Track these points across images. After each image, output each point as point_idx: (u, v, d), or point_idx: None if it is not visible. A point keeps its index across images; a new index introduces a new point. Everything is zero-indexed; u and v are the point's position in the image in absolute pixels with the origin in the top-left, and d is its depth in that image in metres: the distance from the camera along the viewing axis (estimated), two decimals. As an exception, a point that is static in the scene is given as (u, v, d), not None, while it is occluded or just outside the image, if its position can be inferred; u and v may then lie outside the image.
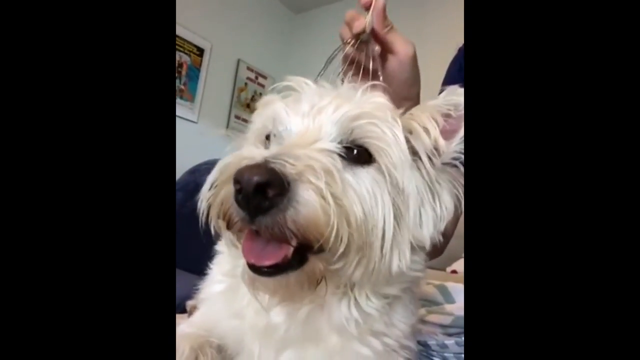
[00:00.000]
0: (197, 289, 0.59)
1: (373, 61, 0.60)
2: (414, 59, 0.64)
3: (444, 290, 0.90)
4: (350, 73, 0.54)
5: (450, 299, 0.88)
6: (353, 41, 0.61)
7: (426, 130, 0.45)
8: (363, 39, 0.61)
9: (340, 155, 0.41)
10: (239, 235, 0.42)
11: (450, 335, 0.73)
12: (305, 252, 0.38)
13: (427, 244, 0.45)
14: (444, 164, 0.47)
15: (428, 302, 0.94)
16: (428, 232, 0.44)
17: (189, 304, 0.92)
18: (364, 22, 0.60)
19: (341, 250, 0.38)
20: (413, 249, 0.45)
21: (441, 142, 0.45)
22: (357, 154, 0.43)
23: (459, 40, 0.61)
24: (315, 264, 0.39)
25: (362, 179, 0.41)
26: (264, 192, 0.34)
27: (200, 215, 0.42)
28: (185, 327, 0.53)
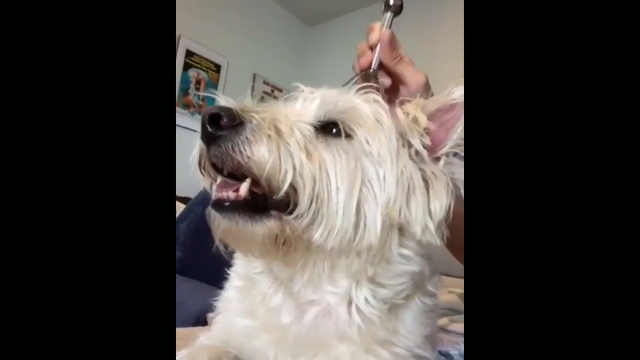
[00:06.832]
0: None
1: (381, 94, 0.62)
2: (426, 87, 0.63)
3: (466, 299, 0.89)
4: None
5: (473, 308, 0.86)
6: (362, 75, 0.62)
7: (406, 114, 0.47)
8: (370, 75, 0.62)
9: (316, 129, 0.45)
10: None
11: (473, 344, 0.71)
12: (264, 202, 0.41)
13: (417, 233, 0.44)
14: (438, 158, 0.47)
15: (450, 310, 0.93)
16: (418, 220, 0.44)
17: (210, 316, 0.92)
18: (370, 59, 0.62)
19: (285, 187, 0.40)
20: (403, 244, 0.45)
21: (423, 119, 0.47)
22: (336, 132, 0.45)
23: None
24: (277, 220, 0.41)
25: (331, 146, 0.44)
26: (217, 123, 0.40)
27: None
28: (204, 340, 0.53)
